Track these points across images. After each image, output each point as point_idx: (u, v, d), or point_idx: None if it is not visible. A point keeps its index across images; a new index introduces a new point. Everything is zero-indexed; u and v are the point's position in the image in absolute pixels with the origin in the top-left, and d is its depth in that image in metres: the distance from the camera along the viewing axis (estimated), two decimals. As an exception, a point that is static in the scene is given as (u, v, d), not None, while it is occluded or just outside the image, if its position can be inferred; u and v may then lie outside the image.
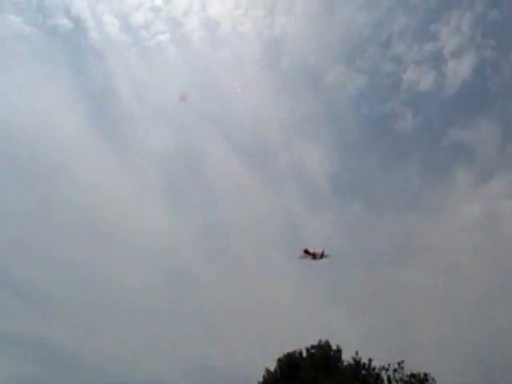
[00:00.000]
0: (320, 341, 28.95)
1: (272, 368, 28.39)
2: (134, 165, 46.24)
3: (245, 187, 46.88)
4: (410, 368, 27.53)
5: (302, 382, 26.55)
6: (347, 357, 28.26)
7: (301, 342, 28.95)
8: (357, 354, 28.44)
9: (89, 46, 44.05)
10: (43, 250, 41.74)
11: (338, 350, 28.74)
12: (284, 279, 43.77)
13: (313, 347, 28.78)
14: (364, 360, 28.24)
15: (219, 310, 41.45)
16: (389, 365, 27.84)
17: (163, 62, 44.91)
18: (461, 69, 46.71)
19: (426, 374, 27.68)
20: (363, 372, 27.63)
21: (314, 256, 26.59)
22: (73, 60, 44.57)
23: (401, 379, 27.38)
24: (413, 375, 27.55)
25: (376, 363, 28.07)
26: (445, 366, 31.01)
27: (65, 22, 42.86)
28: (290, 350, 28.48)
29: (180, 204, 46.62)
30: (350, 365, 28.01)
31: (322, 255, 26.51)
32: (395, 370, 27.70)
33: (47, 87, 43.58)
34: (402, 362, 27.88)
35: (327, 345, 28.72)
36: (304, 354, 28.60)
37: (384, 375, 27.71)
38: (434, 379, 27.52)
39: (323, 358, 27.80)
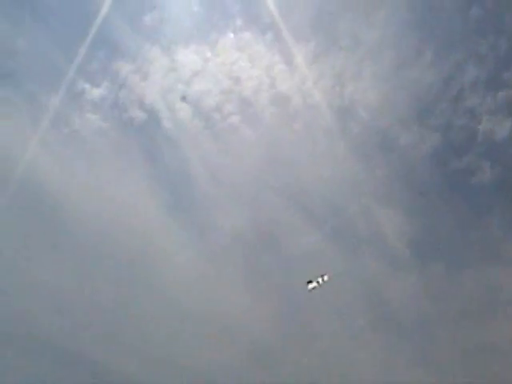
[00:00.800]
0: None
1: None
2: (210, 244, 45.99)
3: (324, 258, 45.95)
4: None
5: None
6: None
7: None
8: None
9: (163, 134, 44.48)
10: (127, 339, 41.95)
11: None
12: (369, 346, 42.86)
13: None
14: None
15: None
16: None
17: (236, 142, 44.68)
18: (537, 113, 44.15)
19: None
20: None
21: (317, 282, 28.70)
22: (148, 149, 45.04)
23: None
24: None
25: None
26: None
27: (139, 114, 43.47)
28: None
29: (258, 279, 45.83)
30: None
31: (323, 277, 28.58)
32: None
33: (125, 178, 44.54)
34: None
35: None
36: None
37: None
38: None
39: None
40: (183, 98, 42.32)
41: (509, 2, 43.94)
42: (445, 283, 44.91)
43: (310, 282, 29.78)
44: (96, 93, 43.46)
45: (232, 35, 43.66)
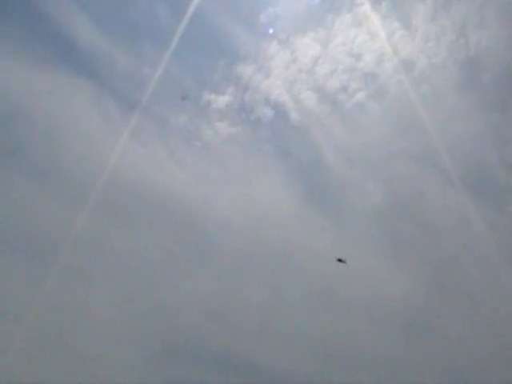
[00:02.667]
0: None
1: None
2: (350, 227, 45.89)
3: (467, 216, 44.45)
4: None
5: None
6: None
7: None
8: None
9: (291, 126, 44.25)
10: (280, 336, 42.09)
11: None
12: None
13: None
14: None
15: (461, 354, 39.53)
16: None
17: (364, 118, 43.94)
18: None
19: None
20: None
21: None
22: (279, 144, 45.09)
23: None
24: None
25: None
26: None
27: (266, 112, 43.35)
28: None
29: (404, 252, 45.30)
30: None
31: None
32: None
33: (260, 177, 45.30)
34: None
35: None
36: None
37: None
38: None
39: None
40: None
41: None
42: None
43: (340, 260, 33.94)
44: (222, 101, 43.55)
45: (348, 13, 42.21)
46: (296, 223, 46.89)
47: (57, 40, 40.43)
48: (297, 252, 46.04)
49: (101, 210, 41.15)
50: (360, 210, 47.28)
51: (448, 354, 40.66)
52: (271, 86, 42.73)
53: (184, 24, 38.36)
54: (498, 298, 43.00)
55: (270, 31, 39.96)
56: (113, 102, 42.25)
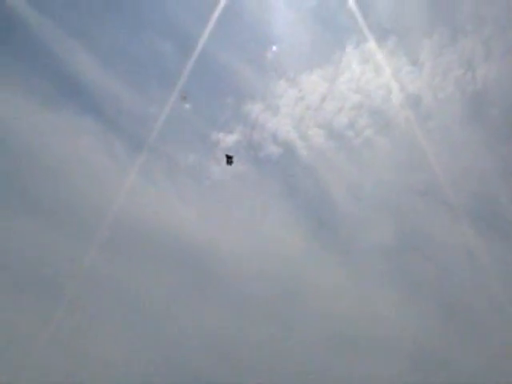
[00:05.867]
0: None
1: None
2: (357, 263, 45.29)
3: (476, 252, 44.22)
4: None
5: None
6: None
7: None
8: None
9: (299, 163, 44.04)
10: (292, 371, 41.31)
11: None
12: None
13: None
14: None
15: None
16: None
17: (372, 154, 43.65)
18: None
19: None
20: None
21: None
22: (287, 181, 44.82)
23: None
24: None
25: None
26: None
27: (274, 150, 43.16)
28: None
29: (413, 288, 44.76)
30: None
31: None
32: None
33: (268, 214, 44.62)
34: None
35: None
36: None
37: None
38: None
39: None
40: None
41: None
42: None
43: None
44: (230, 139, 43.24)
45: (354, 49, 42.30)
46: (304, 261, 46.46)
47: (62, 78, 40.37)
48: (305, 290, 45.50)
49: (108, 248, 40.67)
50: (368, 246, 46.94)
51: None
52: (279, 124, 42.63)
53: (191, 63, 38.27)
54: (509, 332, 42.38)
55: (277, 69, 39.39)
56: (120, 141, 42.00)
